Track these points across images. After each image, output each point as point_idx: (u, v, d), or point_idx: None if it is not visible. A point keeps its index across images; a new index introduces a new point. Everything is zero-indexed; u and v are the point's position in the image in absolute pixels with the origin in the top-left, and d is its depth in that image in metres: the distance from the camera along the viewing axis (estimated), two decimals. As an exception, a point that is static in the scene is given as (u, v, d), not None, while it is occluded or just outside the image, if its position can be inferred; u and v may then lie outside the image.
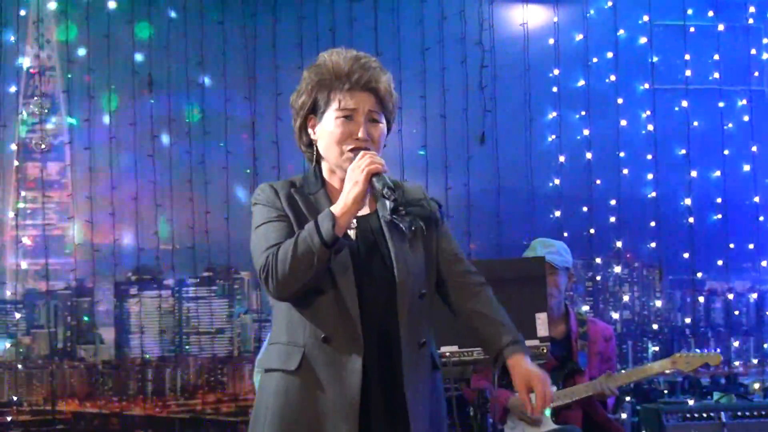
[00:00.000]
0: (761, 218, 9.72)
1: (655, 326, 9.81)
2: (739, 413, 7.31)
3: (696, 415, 7.29)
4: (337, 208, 3.45)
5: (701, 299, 9.82)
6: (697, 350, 6.60)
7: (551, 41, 9.56)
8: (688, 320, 9.78)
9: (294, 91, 3.74)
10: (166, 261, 9.18)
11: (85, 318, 9.34)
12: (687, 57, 9.68)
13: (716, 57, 9.76)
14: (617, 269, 9.79)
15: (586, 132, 9.54)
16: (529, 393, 3.59)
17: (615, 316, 9.73)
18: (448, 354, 4.99)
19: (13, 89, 9.06)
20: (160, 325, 9.34)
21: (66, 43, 9.11)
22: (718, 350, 6.74)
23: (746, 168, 9.74)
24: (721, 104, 9.74)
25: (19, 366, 9.14)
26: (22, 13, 9.06)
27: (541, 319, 5.36)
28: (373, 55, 3.70)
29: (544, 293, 5.47)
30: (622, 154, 9.55)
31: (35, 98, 9.28)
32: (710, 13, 9.77)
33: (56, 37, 9.17)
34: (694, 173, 9.61)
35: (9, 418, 8.88)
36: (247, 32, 9.15)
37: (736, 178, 9.71)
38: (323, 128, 3.64)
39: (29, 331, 9.37)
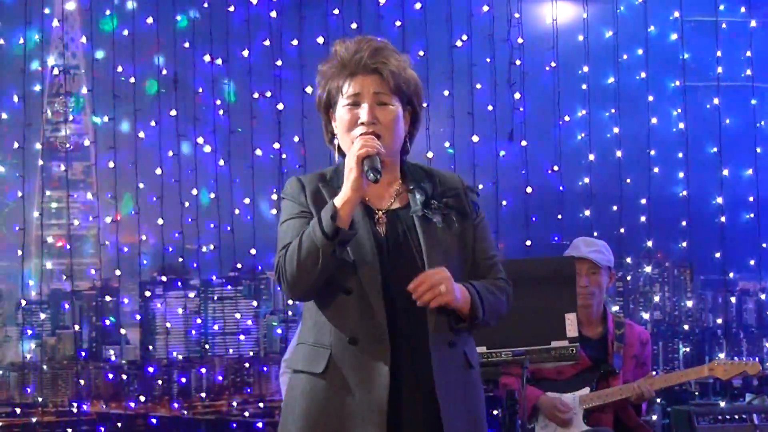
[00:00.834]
0: (794, 217, 9.61)
1: (686, 327, 9.73)
2: (772, 415, 7.21)
3: (728, 417, 7.18)
4: (338, 199, 3.32)
5: (733, 299, 9.73)
6: (736, 358, 6.52)
7: (581, 38, 9.47)
8: (719, 321, 9.69)
9: None
10: (191, 261, 9.16)
11: (110, 318, 9.32)
12: (718, 53, 9.55)
13: (748, 53, 9.63)
14: (648, 269, 9.71)
15: (616, 130, 9.44)
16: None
17: (645, 316, 9.64)
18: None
19: (37, 88, 9.04)
20: (185, 326, 9.31)
21: (91, 41, 9.08)
22: (756, 359, 6.66)
23: (779, 166, 9.64)
24: (753, 101, 9.61)
25: (44, 367, 9.14)
26: (47, 11, 9.03)
27: (571, 320, 5.28)
28: (401, 53, 3.53)
29: (573, 293, 5.39)
30: (652, 153, 9.44)
31: (60, 97, 9.28)
32: (742, 9, 9.66)
33: (81, 36, 9.14)
34: (725, 172, 9.49)
35: (34, 419, 8.86)
36: (273, 30, 9.10)
37: (768, 176, 9.62)
38: (338, 120, 3.50)
39: (54, 332, 9.38)
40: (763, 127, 9.66)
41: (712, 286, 9.87)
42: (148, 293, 9.27)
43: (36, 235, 9.09)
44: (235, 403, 9.17)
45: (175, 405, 9.16)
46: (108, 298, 9.21)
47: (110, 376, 9.23)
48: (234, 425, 9.09)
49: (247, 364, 9.36)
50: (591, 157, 9.41)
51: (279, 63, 9.15)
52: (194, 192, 9.07)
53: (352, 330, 3.37)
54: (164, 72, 9.09)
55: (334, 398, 3.38)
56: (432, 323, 3.38)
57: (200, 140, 9.15)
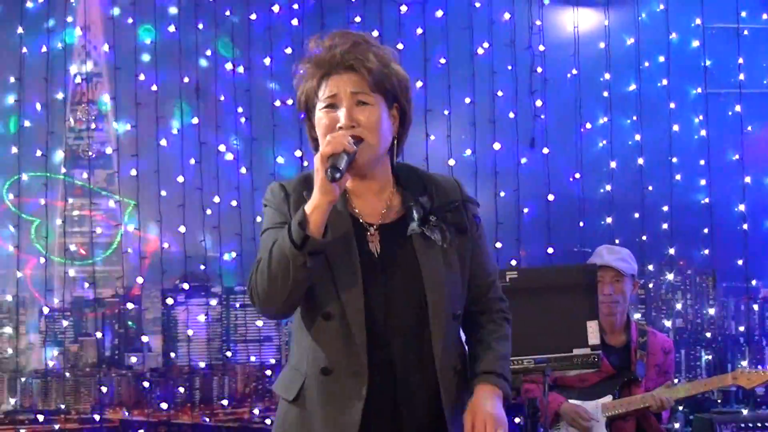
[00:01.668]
0: (817, 224, 9.58)
1: (708, 334, 9.68)
2: (795, 423, 7.21)
3: (750, 424, 7.19)
4: (308, 205, 3.01)
5: (755, 307, 9.67)
6: (760, 367, 6.51)
7: (602, 45, 9.46)
8: (742, 328, 9.63)
9: None
10: (213, 269, 9.17)
11: (133, 325, 9.33)
12: (740, 60, 9.51)
13: (771, 60, 9.64)
14: (670, 276, 9.66)
15: (637, 137, 9.42)
16: (472, 430, 3.14)
17: (667, 324, 9.61)
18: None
19: (60, 96, 9.07)
20: (207, 333, 9.32)
21: (113, 49, 9.11)
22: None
23: (802, 173, 9.61)
24: (775, 108, 9.60)
25: (67, 374, 9.15)
26: (69, 19, 9.07)
27: (592, 328, 5.30)
28: (383, 46, 3.24)
29: (595, 301, 5.40)
30: (674, 160, 9.42)
31: (82, 105, 9.31)
32: (764, 16, 9.63)
33: (103, 44, 9.17)
34: (748, 179, 9.46)
35: (57, 426, 8.88)
36: (294, 37, 9.11)
37: (791, 183, 9.59)
38: (316, 123, 3.21)
39: (77, 339, 9.39)
40: (786, 134, 9.64)
41: (734, 294, 9.82)
42: (170, 301, 9.28)
43: (59, 243, 9.12)
44: (257, 411, 9.17)
45: (198, 412, 9.17)
46: (130, 306, 9.22)
47: (133, 383, 9.24)
48: (256, 432, 9.12)
49: (269, 372, 9.35)
50: (612, 164, 9.39)
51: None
52: (216, 199, 9.09)
53: (328, 359, 3.12)
54: (186, 80, 9.11)
55: (302, 430, 3.17)
56: (439, 351, 3.14)
57: (222, 148, 9.17)
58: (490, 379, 3.21)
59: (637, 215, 9.35)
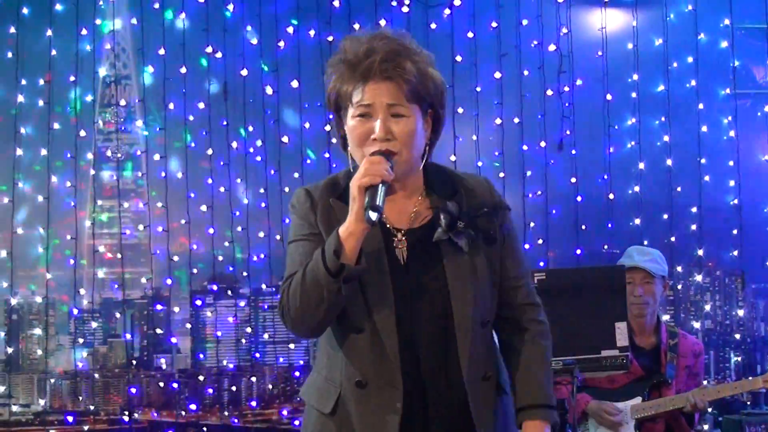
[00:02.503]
0: None
1: (737, 336, 9.65)
2: (825, 425, 7.18)
3: (780, 426, 7.16)
4: (343, 229, 2.94)
5: (785, 308, 9.65)
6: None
7: (630, 46, 9.44)
8: (771, 330, 9.61)
9: None
10: (241, 270, 9.18)
11: (161, 327, 9.36)
12: (770, 61, 9.50)
13: (799, 60, 9.60)
14: (698, 278, 9.64)
15: (666, 138, 9.40)
16: None
17: (696, 325, 9.58)
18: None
19: (89, 98, 9.10)
20: (235, 334, 9.34)
21: (142, 52, 9.14)
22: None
23: (832, 174, 9.56)
24: (805, 108, 9.56)
25: (96, 375, 9.19)
26: (98, 22, 9.10)
27: (621, 329, 5.26)
28: (422, 50, 3.09)
29: (623, 303, 5.36)
30: (703, 161, 9.39)
31: (111, 107, 9.35)
32: (794, 16, 9.60)
33: (132, 46, 9.20)
34: (777, 180, 9.44)
35: (86, 428, 8.91)
36: (323, 41, 9.12)
37: (820, 184, 9.55)
38: (348, 128, 3.09)
39: (106, 340, 9.44)
40: (814, 135, 9.60)
41: (763, 295, 9.80)
42: (198, 302, 9.31)
43: (88, 245, 9.16)
44: (285, 412, 9.19)
45: (226, 413, 9.19)
46: (159, 307, 9.25)
47: (161, 384, 9.27)
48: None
49: (297, 373, 9.37)
50: (641, 165, 9.38)
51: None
52: (245, 201, 9.11)
53: (361, 371, 3.06)
54: (213, 82, 9.13)
55: None
56: (466, 360, 3.07)
57: (250, 149, 9.19)
58: (538, 414, 3.16)
59: (665, 216, 9.33)
